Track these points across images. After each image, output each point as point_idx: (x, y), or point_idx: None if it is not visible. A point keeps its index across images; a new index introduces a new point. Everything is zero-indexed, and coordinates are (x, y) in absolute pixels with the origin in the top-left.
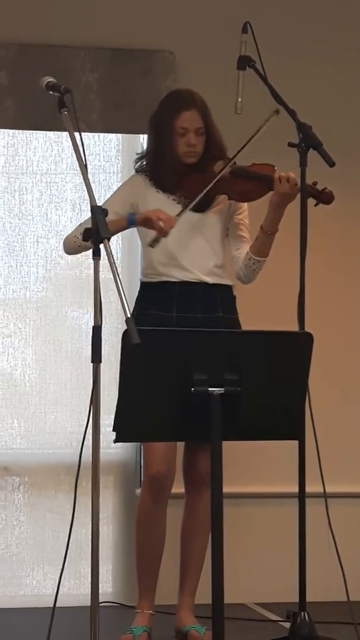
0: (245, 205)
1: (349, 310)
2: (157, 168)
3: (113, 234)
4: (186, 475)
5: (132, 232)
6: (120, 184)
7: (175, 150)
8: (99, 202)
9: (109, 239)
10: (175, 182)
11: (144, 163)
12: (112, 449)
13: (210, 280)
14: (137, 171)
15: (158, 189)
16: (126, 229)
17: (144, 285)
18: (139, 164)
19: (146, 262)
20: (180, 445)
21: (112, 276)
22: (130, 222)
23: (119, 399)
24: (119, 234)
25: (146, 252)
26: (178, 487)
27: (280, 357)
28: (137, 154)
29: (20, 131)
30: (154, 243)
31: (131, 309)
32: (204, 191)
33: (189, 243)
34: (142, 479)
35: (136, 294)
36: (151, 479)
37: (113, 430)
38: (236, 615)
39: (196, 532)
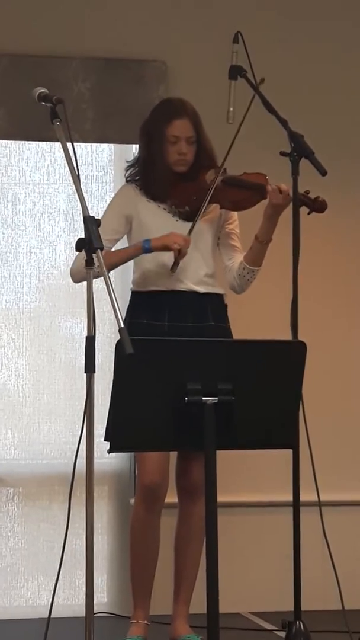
0: (235, 214)
1: (342, 318)
2: (147, 176)
3: (125, 261)
4: (179, 484)
5: (124, 241)
6: (113, 194)
7: (166, 159)
8: (92, 213)
9: (102, 249)
10: (166, 191)
11: (134, 171)
12: (106, 459)
13: (201, 289)
14: (127, 180)
15: (149, 198)
16: (140, 254)
17: (135, 295)
18: (129, 172)
19: (138, 272)
20: (173, 454)
21: (105, 286)
22: (146, 250)
23: (112, 409)
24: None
25: (138, 261)
26: (171, 497)
27: (274, 365)
28: (127, 162)
29: (13, 141)
30: (174, 267)
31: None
32: (205, 202)
33: None
34: (135, 489)
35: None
36: (145, 488)
37: (105, 440)
38: (231, 624)
39: (190, 540)
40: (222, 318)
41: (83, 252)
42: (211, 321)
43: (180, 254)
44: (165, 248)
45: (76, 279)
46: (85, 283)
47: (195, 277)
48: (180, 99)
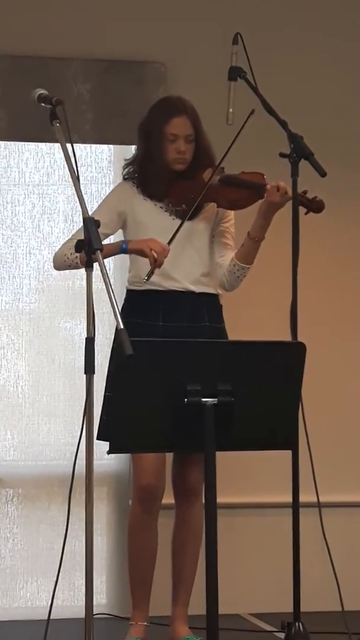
0: (232, 213)
1: (341, 319)
2: (145, 174)
3: (105, 258)
4: (176, 486)
5: (119, 236)
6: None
7: (165, 157)
8: (91, 214)
9: (101, 251)
10: (163, 189)
11: (132, 170)
12: (106, 460)
13: (196, 289)
14: (124, 178)
15: (145, 196)
16: (117, 254)
17: (130, 293)
18: (126, 170)
19: (134, 270)
20: (169, 455)
21: (104, 287)
22: (123, 251)
23: (113, 410)
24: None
25: (135, 260)
26: (168, 498)
27: (273, 367)
28: (125, 160)
29: (12, 143)
30: (149, 276)
31: None
32: (195, 204)
33: (177, 251)
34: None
35: None
36: (141, 491)
37: (97, 439)
38: (231, 625)
39: (188, 542)
40: (218, 318)
41: (69, 242)
42: (207, 321)
43: (156, 262)
44: (141, 253)
45: (55, 265)
46: (84, 284)
47: (191, 277)
48: (179, 97)
